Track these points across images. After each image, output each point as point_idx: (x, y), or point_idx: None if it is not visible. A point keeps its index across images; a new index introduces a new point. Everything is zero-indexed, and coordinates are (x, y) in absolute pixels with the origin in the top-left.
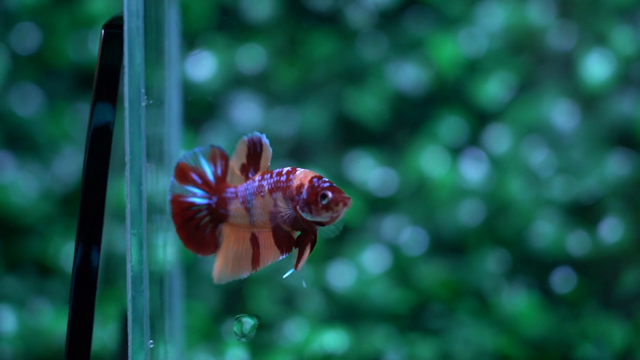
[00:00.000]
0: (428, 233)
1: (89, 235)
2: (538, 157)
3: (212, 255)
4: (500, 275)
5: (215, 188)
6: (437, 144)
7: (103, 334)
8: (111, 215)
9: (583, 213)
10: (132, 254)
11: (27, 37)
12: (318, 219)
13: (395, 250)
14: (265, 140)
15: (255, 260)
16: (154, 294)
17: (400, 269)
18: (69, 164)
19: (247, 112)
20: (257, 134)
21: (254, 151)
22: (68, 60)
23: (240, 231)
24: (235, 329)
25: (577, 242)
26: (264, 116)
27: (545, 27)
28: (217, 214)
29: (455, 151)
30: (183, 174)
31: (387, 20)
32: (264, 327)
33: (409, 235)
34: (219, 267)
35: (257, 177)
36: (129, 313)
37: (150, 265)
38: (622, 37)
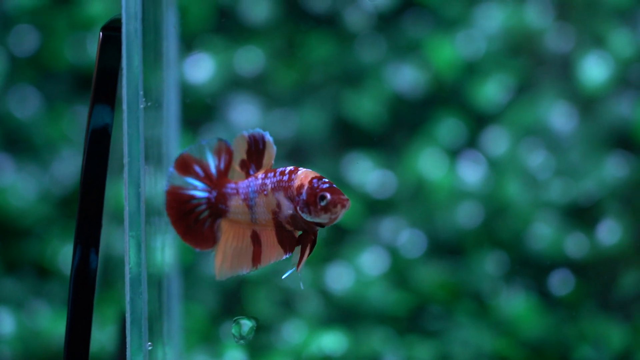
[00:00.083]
0: (426, 235)
1: (88, 237)
2: (536, 159)
3: (210, 250)
4: (499, 277)
5: (216, 182)
6: (435, 146)
7: (101, 336)
8: (109, 217)
9: (581, 215)
10: (130, 256)
11: (26, 39)
12: (317, 220)
13: (394, 252)
14: (268, 138)
15: (257, 257)
16: (153, 296)
17: (399, 271)
18: (68, 166)
19: (245, 114)
20: (260, 130)
21: (255, 148)
22: (66, 63)
23: (239, 227)
24: (233, 331)
25: (575, 244)
26: (262, 118)
27: (543, 29)
28: (216, 209)
29: (454, 153)
30: (185, 165)
31: (385, 22)
32: (262, 329)
33: (407, 237)
34: (219, 263)
35: (260, 175)
36: (128, 315)
37: (149, 268)
38: (620, 39)
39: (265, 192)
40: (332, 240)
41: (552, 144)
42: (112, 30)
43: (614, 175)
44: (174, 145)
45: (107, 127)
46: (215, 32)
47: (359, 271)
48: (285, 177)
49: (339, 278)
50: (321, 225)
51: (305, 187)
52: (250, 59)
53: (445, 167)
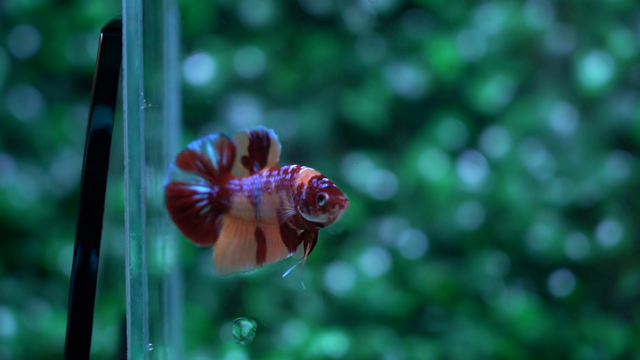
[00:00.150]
0: (427, 236)
1: (88, 238)
2: (536, 160)
3: (210, 245)
4: (499, 278)
5: (219, 178)
6: (435, 147)
7: (102, 337)
8: (110, 218)
9: (581, 216)
10: (131, 257)
11: (26, 40)
12: (316, 219)
13: (394, 253)
14: (273, 135)
15: (261, 255)
16: (153, 297)
17: (399, 272)
18: (68, 167)
19: (245, 115)
20: (264, 127)
21: (258, 145)
22: (67, 64)
23: (241, 224)
24: (234, 332)
25: (575, 245)
26: (263, 119)
27: (543, 30)
28: (218, 204)
29: (454, 154)
30: (187, 160)
31: (385, 23)
32: (263, 330)
33: (408, 238)
34: (219, 259)
35: (265, 173)
36: (128, 316)
37: (149, 268)
38: (621, 40)
39: (269, 190)
40: (332, 241)
41: (553, 145)
42: (112, 31)
43: (614, 176)
44: (174, 146)
45: (108, 128)
46: (216, 33)
47: (360, 272)
48: (288, 176)
49: (340, 279)
50: (321, 225)
51: (305, 187)
52: (250, 60)
53: (445, 168)
